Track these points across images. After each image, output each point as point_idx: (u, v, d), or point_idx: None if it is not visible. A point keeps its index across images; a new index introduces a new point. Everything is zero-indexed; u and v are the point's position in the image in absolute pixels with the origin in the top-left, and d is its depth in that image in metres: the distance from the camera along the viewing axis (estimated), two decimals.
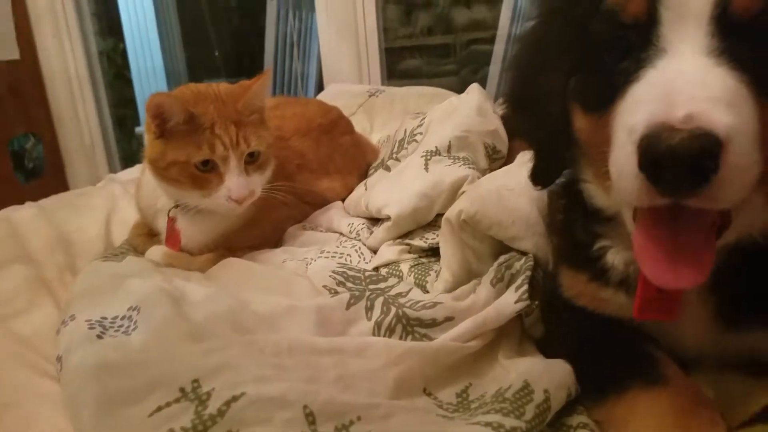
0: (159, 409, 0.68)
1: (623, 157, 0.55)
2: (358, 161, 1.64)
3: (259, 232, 1.32)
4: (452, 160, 1.23)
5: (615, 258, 0.76)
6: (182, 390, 0.69)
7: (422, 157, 1.25)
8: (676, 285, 0.59)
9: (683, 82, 0.53)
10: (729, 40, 0.55)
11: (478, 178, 1.17)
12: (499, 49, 3.07)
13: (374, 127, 1.98)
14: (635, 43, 0.59)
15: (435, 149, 1.26)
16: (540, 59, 0.77)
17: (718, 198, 0.52)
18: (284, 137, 1.49)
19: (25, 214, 1.41)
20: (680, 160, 0.50)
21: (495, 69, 3.05)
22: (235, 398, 0.67)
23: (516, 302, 0.85)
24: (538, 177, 0.84)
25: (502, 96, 0.89)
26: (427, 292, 1.03)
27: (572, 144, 0.73)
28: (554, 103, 0.72)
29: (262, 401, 0.67)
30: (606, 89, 0.62)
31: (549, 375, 0.75)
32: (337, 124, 1.64)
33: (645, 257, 0.60)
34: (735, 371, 0.74)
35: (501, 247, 0.98)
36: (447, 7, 4.45)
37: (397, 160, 1.41)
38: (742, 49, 0.55)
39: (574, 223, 0.83)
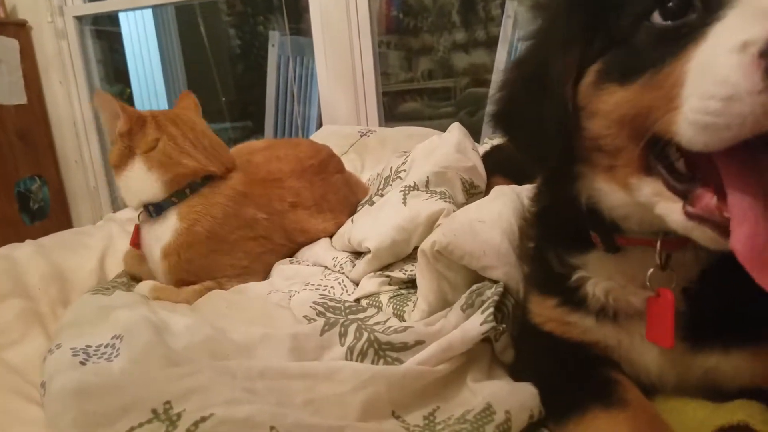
0: (132, 429, 0.71)
1: (733, 79, 0.52)
2: (349, 199, 1.69)
3: (232, 261, 1.39)
4: (429, 195, 1.26)
5: (595, 288, 0.77)
6: (154, 411, 0.72)
7: (401, 192, 1.29)
8: None
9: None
10: None
11: (455, 211, 1.20)
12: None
13: (365, 167, 2.03)
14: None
15: (413, 184, 1.30)
16: (544, 60, 0.73)
17: None
18: (282, 178, 1.57)
19: (24, 251, 1.45)
20: None
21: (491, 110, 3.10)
22: (203, 419, 0.70)
23: (481, 324, 0.86)
24: (546, 191, 0.85)
25: (490, 118, 0.83)
26: (405, 321, 1.05)
27: (578, 147, 0.71)
28: (563, 97, 0.70)
29: (230, 422, 0.70)
30: (662, 49, 0.60)
31: (512, 397, 0.78)
32: (327, 164, 1.70)
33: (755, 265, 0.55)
34: (695, 396, 0.76)
35: (475, 278, 1.01)
36: (447, 53, 4.57)
37: (382, 196, 1.46)
38: None
39: (547, 253, 0.85)
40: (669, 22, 0.61)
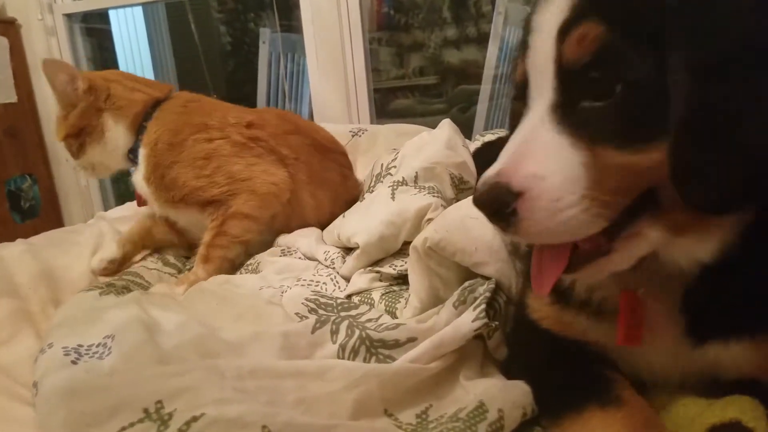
0: (123, 429, 0.70)
1: None
2: (335, 189, 1.71)
3: (195, 171, 1.52)
4: (418, 189, 1.26)
5: (577, 284, 0.78)
6: (146, 411, 0.71)
7: (389, 187, 1.29)
8: (536, 293, 0.73)
9: (513, 142, 0.64)
10: (569, 92, 0.62)
11: (443, 206, 1.20)
12: (486, 88, 3.12)
13: (357, 167, 1.97)
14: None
15: (402, 179, 1.30)
16: None
17: (527, 233, 0.62)
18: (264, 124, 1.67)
19: (14, 250, 1.44)
20: (483, 206, 0.63)
21: (482, 107, 3.10)
22: (195, 419, 0.69)
23: (473, 321, 0.86)
24: None
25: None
26: (397, 318, 1.05)
27: None
28: None
29: (221, 422, 0.69)
30: None
31: (505, 395, 0.77)
32: (330, 152, 1.76)
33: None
34: (691, 393, 0.76)
35: (467, 275, 1.00)
36: (438, 49, 4.56)
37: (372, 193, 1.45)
38: (579, 99, 0.62)
39: None
40: None
